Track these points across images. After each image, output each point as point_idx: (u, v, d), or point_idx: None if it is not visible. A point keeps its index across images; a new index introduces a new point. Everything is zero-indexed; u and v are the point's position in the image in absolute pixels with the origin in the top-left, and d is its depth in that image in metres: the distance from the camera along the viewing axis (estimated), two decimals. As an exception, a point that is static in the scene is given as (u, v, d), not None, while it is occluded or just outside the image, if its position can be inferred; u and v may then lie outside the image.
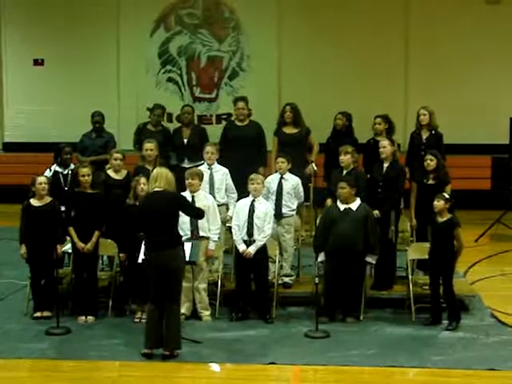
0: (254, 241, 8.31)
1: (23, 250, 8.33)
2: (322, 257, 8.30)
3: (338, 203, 8.40)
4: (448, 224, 8.05)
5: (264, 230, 8.34)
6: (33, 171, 9.19)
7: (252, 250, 8.29)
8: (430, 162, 8.89)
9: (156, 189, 7.38)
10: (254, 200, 8.46)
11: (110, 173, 9.04)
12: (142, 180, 8.29)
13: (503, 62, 14.26)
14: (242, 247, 8.33)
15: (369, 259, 8.30)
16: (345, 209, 8.33)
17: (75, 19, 14.62)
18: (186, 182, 8.40)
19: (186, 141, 10.82)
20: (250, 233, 8.34)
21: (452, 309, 8.09)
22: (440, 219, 8.10)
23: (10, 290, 9.21)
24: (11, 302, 8.88)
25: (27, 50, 14.98)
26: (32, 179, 8.48)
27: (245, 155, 10.14)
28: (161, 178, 7.37)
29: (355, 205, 8.35)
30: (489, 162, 14.22)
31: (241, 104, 10.66)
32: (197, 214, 7.72)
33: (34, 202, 8.39)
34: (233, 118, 11.03)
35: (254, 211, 8.40)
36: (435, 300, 8.15)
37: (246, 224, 8.35)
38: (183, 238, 7.68)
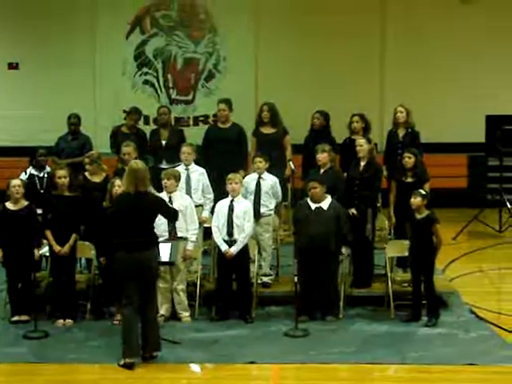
0: (235, 241, 8.29)
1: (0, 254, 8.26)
2: None
3: (309, 202, 8.39)
4: (427, 220, 8.09)
5: (244, 230, 8.33)
6: (8, 175, 9.09)
7: (234, 250, 8.27)
8: (409, 160, 8.93)
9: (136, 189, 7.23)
10: (232, 200, 8.45)
11: (88, 175, 8.98)
12: (117, 182, 8.24)
13: (478, 60, 14.32)
14: (223, 247, 8.30)
15: (343, 250, 8.34)
16: (316, 208, 8.33)
17: (50, 21, 14.50)
18: (163, 182, 8.37)
19: (164, 142, 10.78)
20: (230, 233, 8.32)
21: (432, 305, 8.12)
22: (418, 216, 8.13)
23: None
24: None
25: (1, 54, 14.83)
26: (7, 183, 8.40)
27: (226, 157, 10.11)
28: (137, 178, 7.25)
29: (326, 203, 8.35)
30: (465, 160, 14.28)
31: (222, 106, 10.64)
32: (173, 217, 7.66)
33: (9, 205, 8.31)
34: (211, 120, 11.00)
35: (233, 211, 8.38)
36: (416, 297, 8.18)
37: (226, 224, 8.33)
38: (160, 239, 7.65)
